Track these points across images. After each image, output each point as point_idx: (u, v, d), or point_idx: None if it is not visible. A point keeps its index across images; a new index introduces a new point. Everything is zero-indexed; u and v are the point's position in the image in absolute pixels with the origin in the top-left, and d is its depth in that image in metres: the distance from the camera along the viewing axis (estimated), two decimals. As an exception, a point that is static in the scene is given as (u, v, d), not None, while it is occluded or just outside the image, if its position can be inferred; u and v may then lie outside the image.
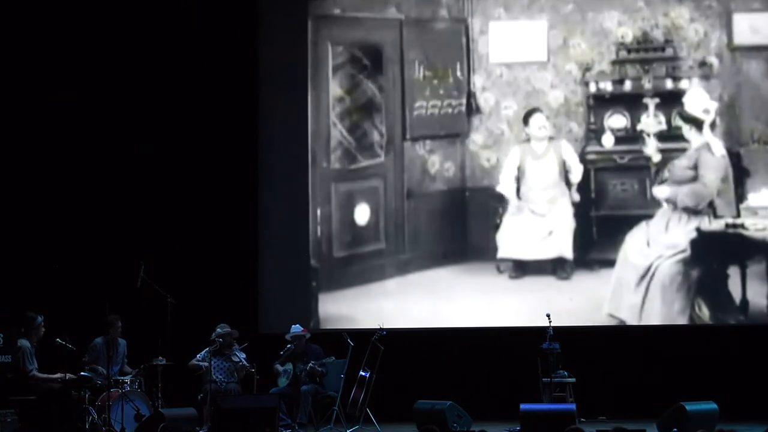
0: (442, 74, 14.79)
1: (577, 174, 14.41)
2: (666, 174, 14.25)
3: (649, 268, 14.09)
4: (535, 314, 13.42)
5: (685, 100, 14.23)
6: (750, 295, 13.91)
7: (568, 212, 14.42)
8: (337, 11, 15.05)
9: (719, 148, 14.12)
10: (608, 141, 14.44)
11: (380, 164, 14.88)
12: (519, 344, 13.52)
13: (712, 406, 11.72)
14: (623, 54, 14.44)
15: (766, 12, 14.22)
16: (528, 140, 14.56)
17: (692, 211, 14.11)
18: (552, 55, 14.55)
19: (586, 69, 14.49)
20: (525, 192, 14.52)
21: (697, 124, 14.19)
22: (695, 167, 14.16)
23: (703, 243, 14.07)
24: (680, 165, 14.21)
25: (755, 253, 13.96)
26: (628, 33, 14.44)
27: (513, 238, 14.47)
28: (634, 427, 10.48)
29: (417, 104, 14.81)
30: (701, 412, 11.58)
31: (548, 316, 12.81)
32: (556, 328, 12.81)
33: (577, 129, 14.49)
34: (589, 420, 12.87)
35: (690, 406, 11.56)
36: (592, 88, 14.49)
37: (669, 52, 14.34)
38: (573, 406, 12.06)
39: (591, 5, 14.50)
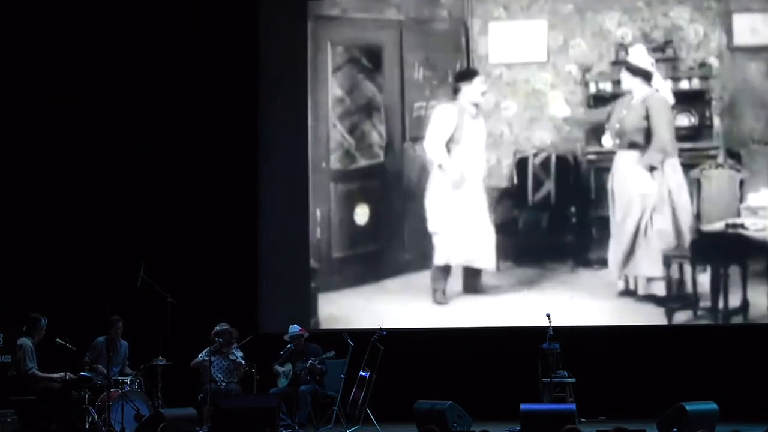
0: (441, 75, 14.78)
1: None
2: (617, 128, 14.29)
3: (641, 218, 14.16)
4: (535, 314, 13.41)
5: (631, 52, 14.28)
6: (750, 295, 13.91)
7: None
8: (336, 12, 15.06)
9: (668, 92, 14.22)
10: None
11: (380, 165, 14.88)
12: (519, 344, 13.51)
13: (712, 406, 11.73)
14: (623, 55, 14.43)
15: (765, 12, 14.21)
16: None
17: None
18: (552, 56, 14.54)
19: (586, 69, 14.49)
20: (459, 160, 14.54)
21: (646, 75, 14.22)
22: (647, 117, 14.21)
23: (703, 243, 14.08)
24: (631, 120, 14.24)
25: (755, 253, 13.96)
26: (628, 33, 14.44)
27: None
28: (634, 427, 10.48)
29: (417, 105, 14.80)
30: (701, 412, 11.59)
31: (548, 316, 12.82)
32: (556, 328, 12.82)
33: (577, 129, 14.48)
34: (589, 420, 12.88)
35: (690, 406, 11.56)
36: (592, 88, 14.49)
37: (669, 52, 14.33)
38: (573, 406, 12.06)
39: (591, 6, 14.50)
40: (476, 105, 14.59)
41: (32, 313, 12.38)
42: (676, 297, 14.11)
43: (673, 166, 14.19)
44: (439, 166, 14.57)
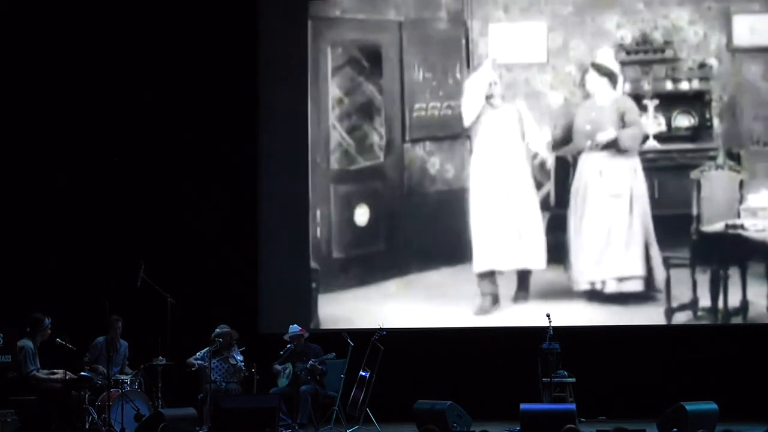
0: (441, 76, 14.79)
1: (535, 142, 14.41)
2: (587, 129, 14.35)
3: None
4: (535, 314, 13.41)
5: (600, 54, 14.32)
6: (750, 296, 13.92)
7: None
8: (336, 13, 15.07)
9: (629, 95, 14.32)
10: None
11: (380, 165, 14.89)
12: (519, 344, 13.52)
13: (712, 406, 11.74)
14: (622, 56, 14.44)
15: (765, 13, 14.23)
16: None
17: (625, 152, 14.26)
18: (551, 57, 14.55)
19: (586, 71, 14.50)
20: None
21: (613, 79, 14.28)
22: (622, 117, 14.28)
23: (703, 244, 14.09)
24: (600, 122, 14.29)
25: (755, 253, 13.97)
26: (628, 35, 14.45)
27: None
28: (634, 427, 10.49)
29: (416, 106, 14.81)
30: (701, 412, 11.59)
31: (548, 316, 12.82)
32: (556, 328, 12.82)
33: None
34: (589, 420, 12.89)
35: (690, 406, 11.57)
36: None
37: (669, 53, 14.35)
38: (573, 406, 12.06)
39: (590, 7, 14.51)
40: (489, 96, 14.56)
41: (34, 313, 12.32)
42: (676, 297, 14.10)
43: (636, 169, 14.23)
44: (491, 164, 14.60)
